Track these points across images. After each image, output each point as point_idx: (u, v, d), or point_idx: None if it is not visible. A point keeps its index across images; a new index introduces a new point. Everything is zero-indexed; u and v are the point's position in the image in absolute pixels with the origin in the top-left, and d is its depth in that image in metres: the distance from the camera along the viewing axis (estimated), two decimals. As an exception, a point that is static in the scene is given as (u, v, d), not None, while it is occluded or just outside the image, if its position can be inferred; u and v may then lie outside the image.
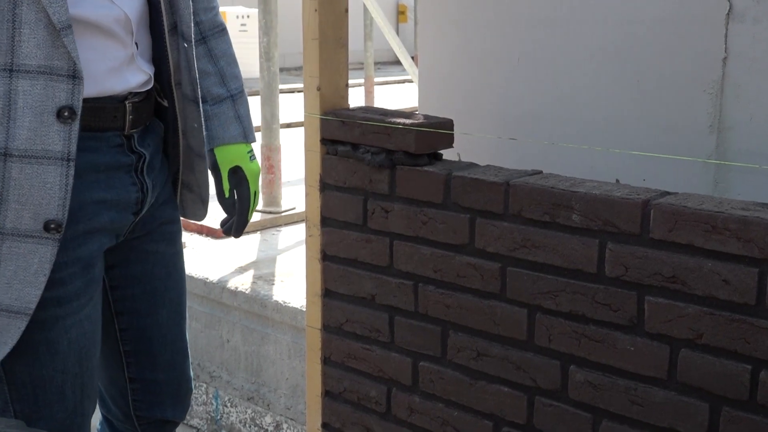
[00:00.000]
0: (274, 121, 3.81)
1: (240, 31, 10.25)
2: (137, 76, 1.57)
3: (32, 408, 1.55)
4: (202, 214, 1.80)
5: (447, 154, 1.98)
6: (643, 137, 2.05)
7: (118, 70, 1.53)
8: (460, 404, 1.89)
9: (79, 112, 1.46)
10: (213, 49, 1.79)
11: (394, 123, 1.88)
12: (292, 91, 9.45)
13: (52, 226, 1.46)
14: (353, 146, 1.96)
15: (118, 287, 1.70)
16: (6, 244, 1.45)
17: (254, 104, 6.75)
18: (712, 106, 1.95)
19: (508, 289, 1.78)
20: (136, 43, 1.57)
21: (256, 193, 1.87)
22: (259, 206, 4.01)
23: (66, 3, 1.40)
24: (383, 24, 4.87)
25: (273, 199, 3.89)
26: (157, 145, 1.67)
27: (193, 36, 1.74)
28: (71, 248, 1.51)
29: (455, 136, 1.95)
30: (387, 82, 9.86)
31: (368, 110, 2.02)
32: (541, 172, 1.81)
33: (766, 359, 1.47)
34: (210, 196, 1.83)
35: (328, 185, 2.04)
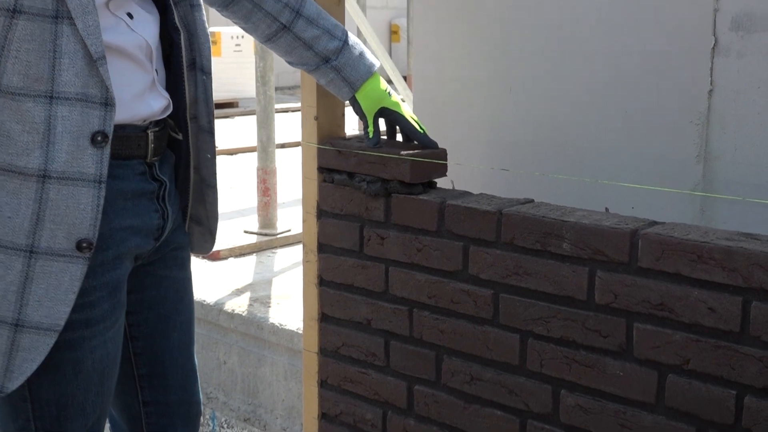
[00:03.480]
0: (270, 144, 3.85)
1: (234, 51, 10.28)
2: (158, 101, 1.59)
3: (53, 424, 1.55)
4: (209, 247, 1.82)
5: (441, 181, 1.96)
6: (632, 166, 2.05)
7: (141, 95, 1.55)
8: (454, 427, 1.89)
9: (111, 137, 1.48)
10: (307, 15, 1.79)
11: (389, 153, 1.89)
12: (286, 110, 9.44)
13: (84, 245, 1.47)
14: (349, 175, 1.97)
15: (134, 312, 1.70)
16: (39, 263, 1.46)
17: (251, 125, 6.70)
18: (698, 137, 1.95)
19: (500, 315, 1.78)
20: (156, 70, 1.59)
21: (414, 119, 1.90)
22: (254, 228, 4.02)
23: (101, 35, 1.42)
24: (376, 47, 4.89)
25: (269, 222, 3.91)
26: (171, 174, 1.68)
27: (280, 23, 1.77)
28: (100, 273, 1.52)
29: (450, 162, 1.94)
30: None
31: (364, 138, 1.98)
32: (532, 201, 1.82)
33: (751, 385, 1.47)
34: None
35: (325, 212, 2.05)
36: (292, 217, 4.02)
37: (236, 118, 9.59)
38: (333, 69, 1.80)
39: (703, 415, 1.53)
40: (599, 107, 2.10)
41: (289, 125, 8.07)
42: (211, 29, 10.11)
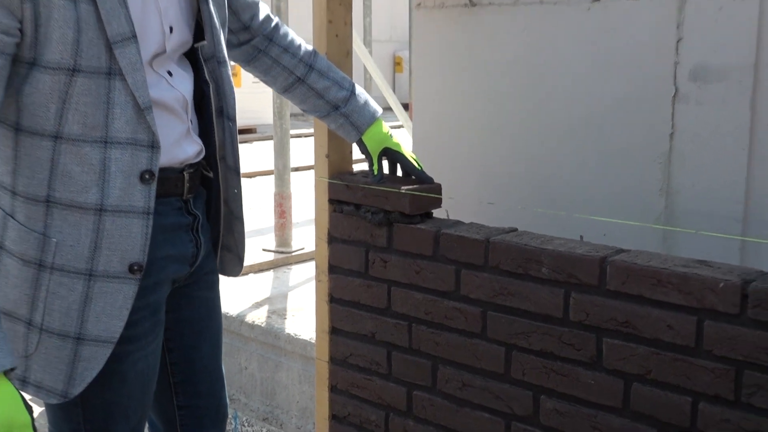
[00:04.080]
0: (286, 171, 3.85)
1: (253, 82, 9.95)
2: (193, 147, 1.60)
3: (101, 427, 1.56)
4: (238, 270, 1.80)
5: (437, 212, 1.97)
6: (603, 198, 2.04)
7: (178, 142, 1.56)
8: (448, 428, 1.90)
9: (157, 175, 1.48)
10: (318, 69, 1.82)
11: (391, 187, 1.89)
12: (299, 136, 9.29)
13: (135, 267, 1.48)
14: (356, 206, 1.98)
15: (171, 328, 1.70)
16: (97, 284, 1.46)
17: (268, 149, 6.68)
18: (661, 174, 1.95)
19: (488, 330, 1.79)
20: (190, 120, 1.60)
21: (413, 158, 1.93)
22: (272, 246, 4.00)
23: (148, 88, 1.44)
24: (379, 79, 4.91)
25: (285, 241, 3.89)
26: (203, 208, 1.69)
27: (296, 76, 1.81)
28: (143, 296, 1.53)
29: (444, 197, 1.95)
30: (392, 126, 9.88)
31: (369, 174, 1.99)
32: (516, 230, 1.83)
33: (704, 392, 1.49)
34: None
35: (335, 238, 2.05)
36: (305, 237, 3.99)
37: (255, 143, 9.45)
38: (342, 115, 1.82)
39: (663, 418, 1.55)
40: (576, 147, 2.09)
41: (303, 150, 7.89)
42: (232, 63, 10.03)
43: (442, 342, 1.88)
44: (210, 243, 1.72)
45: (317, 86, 1.81)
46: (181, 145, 1.55)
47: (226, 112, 1.64)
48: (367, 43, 7.82)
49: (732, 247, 1.82)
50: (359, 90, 1.85)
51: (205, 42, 1.58)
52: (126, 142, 1.43)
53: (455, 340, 1.86)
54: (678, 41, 1.88)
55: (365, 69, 7.07)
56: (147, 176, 1.46)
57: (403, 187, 1.88)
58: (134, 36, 1.40)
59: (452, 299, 1.85)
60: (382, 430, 2.04)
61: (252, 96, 10.04)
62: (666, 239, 1.93)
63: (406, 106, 4.98)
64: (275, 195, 3.87)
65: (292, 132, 8.60)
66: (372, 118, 1.86)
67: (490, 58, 2.21)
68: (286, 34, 1.82)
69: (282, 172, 3.85)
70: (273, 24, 1.83)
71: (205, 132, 1.63)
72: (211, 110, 1.62)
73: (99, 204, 1.44)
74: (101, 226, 1.45)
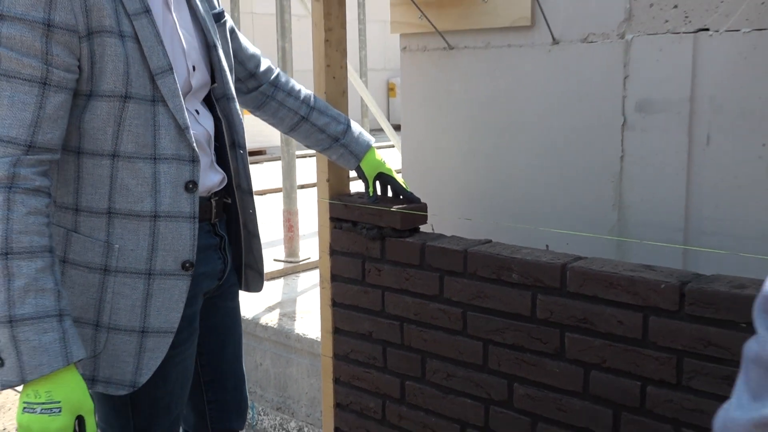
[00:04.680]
0: (293, 191, 3.82)
1: None
2: (217, 175, 1.59)
3: (146, 420, 1.56)
4: (260, 285, 1.77)
5: (424, 226, 1.99)
6: (565, 212, 2.04)
7: (205, 171, 1.55)
8: (436, 412, 1.92)
9: (199, 184, 1.47)
10: (318, 108, 1.82)
11: (384, 207, 1.91)
12: (305, 156, 8.93)
13: (187, 264, 1.47)
14: (353, 223, 1.99)
15: (201, 335, 1.69)
16: (156, 282, 1.46)
17: (277, 169, 6.62)
18: (614, 191, 1.95)
19: (468, 328, 1.81)
20: (213, 152, 1.60)
21: (402, 182, 1.93)
22: (281, 257, 3.92)
23: (185, 112, 1.44)
24: (374, 107, 4.87)
25: (293, 252, 3.85)
26: (226, 230, 1.67)
27: (300, 115, 1.81)
28: (184, 307, 1.52)
29: (429, 214, 1.97)
30: (380, 147, 9.77)
31: (365, 195, 2.00)
32: (490, 241, 1.85)
33: (651, 377, 1.53)
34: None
35: (336, 251, 2.07)
36: (311, 247, 3.90)
37: (265, 163, 9.19)
38: (342, 146, 1.82)
39: (617, 400, 1.59)
40: (541, 169, 2.09)
41: (308, 168, 7.83)
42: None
43: (430, 339, 1.89)
44: (232, 260, 1.72)
45: (318, 123, 1.81)
46: (207, 175, 1.55)
47: (238, 142, 1.64)
48: (363, 73, 7.75)
49: (675, 252, 1.83)
50: (354, 124, 1.86)
51: (216, 84, 1.58)
52: (171, 157, 1.43)
53: (440, 337, 1.87)
54: (625, 78, 1.89)
55: (362, 99, 7.10)
56: (191, 185, 1.46)
57: (393, 207, 1.89)
58: (171, 68, 1.41)
59: (437, 302, 1.86)
60: (379, 415, 2.05)
61: (261, 121, 9.91)
62: (619, 247, 1.93)
63: (399, 127, 4.95)
64: (284, 212, 3.84)
65: (298, 153, 8.42)
66: (367, 147, 1.86)
67: (466, 94, 2.21)
68: (288, 81, 1.83)
69: (289, 191, 3.82)
70: (275, 73, 1.83)
71: (221, 162, 1.63)
72: (224, 143, 1.62)
73: (153, 211, 1.43)
74: (156, 231, 1.44)
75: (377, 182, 1.92)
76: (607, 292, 1.57)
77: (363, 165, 1.88)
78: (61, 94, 1.31)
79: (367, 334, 2.04)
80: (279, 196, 4.80)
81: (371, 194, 1.92)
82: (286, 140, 3.87)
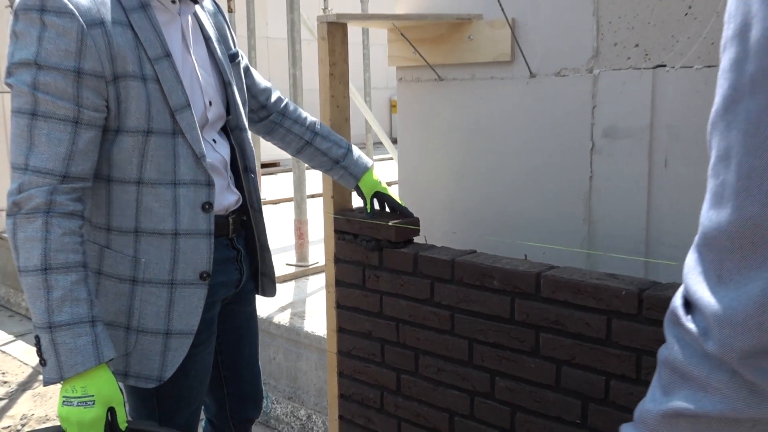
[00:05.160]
0: (303, 202, 3.80)
1: None
2: (233, 196, 1.60)
3: (170, 411, 1.57)
4: (274, 291, 1.79)
5: (417, 237, 1.99)
6: (542, 226, 2.04)
7: (222, 193, 1.56)
8: (427, 402, 1.93)
9: (214, 205, 1.49)
10: (321, 134, 1.83)
11: (381, 221, 1.92)
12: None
13: (204, 275, 1.49)
14: (355, 236, 2.01)
15: (221, 335, 1.71)
16: (177, 291, 1.47)
17: (290, 180, 6.56)
18: (584, 207, 1.95)
19: (455, 328, 1.82)
20: (229, 176, 1.60)
21: (398, 199, 1.93)
22: (292, 261, 3.88)
23: (202, 143, 1.46)
24: (376, 126, 4.88)
25: (303, 257, 3.82)
26: (243, 244, 1.68)
27: (305, 140, 1.82)
28: (202, 313, 1.54)
29: (421, 228, 1.97)
30: (382, 159, 9.68)
31: (363, 211, 2.02)
32: (475, 252, 1.86)
33: (614, 373, 1.54)
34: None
35: (340, 259, 2.07)
36: (320, 253, 3.81)
37: (278, 174, 9.12)
38: (342, 168, 1.84)
39: (585, 392, 1.60)
40: (520, 187, 2.09)
41: (318, 180, 7.89)
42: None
43: (422, 338, 1.90)
44: (249, 270, 1.73)
45: (321, 147, 1.83)
46: (224, 196, 1.57)
47: (249, 168, 1.65)
48: (367, 93, 7.75)
49: (638, 261, 1.84)
50: (354, 148, 1.88)
51: (230, 116, 1.60)
52: (190, 182, 1.45)
53: (431, 336, 1.88)
54: (593, 108, 1.89)
55: (367, 127, 7.08)
56: (207, 206, 1.48)
57: (390, 221, 1.91)
58: (189, 105, 1.43)
59: (428, 305, 1.87)
60: (378, 405, 2.06)
61: None
62: (589, 257, 1.94)
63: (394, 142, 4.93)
64: (295, 221, 3.83)
65: (308, 166, 8.35)
66: (365, 169, 1.87)
67: (454, 120, 2.22)
68: (295, 110, 1.85)
69: (300, 202, 3.81)
70: (284, 102, 1.85)
71: (237, 185, 1.65)
72: (238, 167, 1.63)
73: (174, 230, 1.45)
74: (177, 246, 1.46)
75: (375, 200, 1.93)
76: (575, 297, 1.59)
77: (361, 184, 1.89)
78: (91, 131, 1.34)
79: (367, 333, 2.05)
80: (291, 206, 4.78)
81: (369, 211, 1.94)
82: (297, 161, 3.84)
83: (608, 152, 1.90)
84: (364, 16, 2.01)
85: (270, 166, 9.91)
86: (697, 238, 0.59)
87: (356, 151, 1.89)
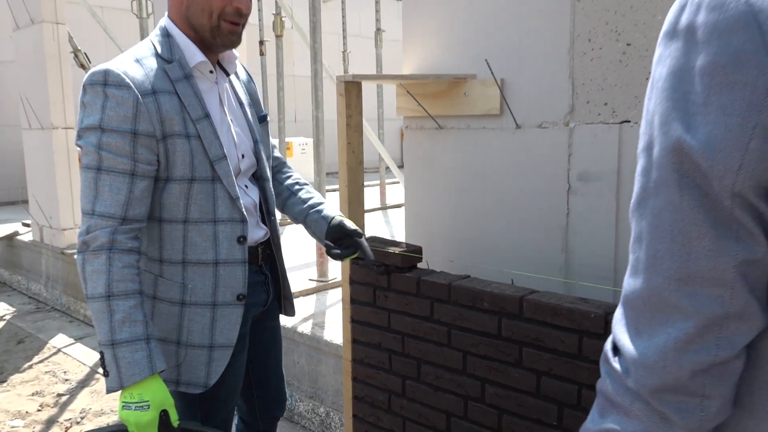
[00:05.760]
0: None
1: (301, 153, 10.02)
2: (261, 231, 1.62)
3: (210, 412, 1.60)
4: (293, 311, 1.79)
5: (420, 263, 2.01)
6: (526, 254, 2.06)
7: (253, 228, 1.58)
8: (428, 405, 1.93)
9: (248, 237, 1.51)
10: (306, 189, 1.78)
11: (389, 250, 1.94)
12: (334, 190, 8.84)
13: (241, 296, 1.52)
14: None
15: (250, 346, 1.73)
16: (219, 310, 1.50)
17: None
18: (562, 239, 1.96)
19: (452, 342, 1.83)
20: (258, 215, 1.63)
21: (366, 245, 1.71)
22: (314, 276, 3.82)
23: (236, 187, 1.49)
24: (384, 153, 4.89)
25: (323, 272, 3.78)
26: (270, 270, 1.70)
27: (291, 191, 1.76)
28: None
29: (424, 254, 2.03)
30: (393, 182, 9.65)
31: (376, 239, 2.04)
32: (469, 277, 1.87)
33: (585, 383, 1.56)
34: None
35: (354, 281, 2.08)
36: (338, 269, 3.84)
37: None
38: (316, 212, 1.74)
39: (561, 399, 1.62)
40: (508, 222, 2.10)
41: (335, 202, 7.89)
42: (287, 139, 9.88)
43: (423, 349, 1.91)
44: (274, 292, 1.75)
45: (303, 197, 1.79)
46: (254, 231, 1.60)
47: (270, 211, 1.68)
48: (381, 126, 7.85)
49: (607, 284, 1.87)
50: (333, 207, 1.79)
51: (258, 168, 1.64)
52: (227, 219, 1.49)
53: (431, 348, 1.89)
54: (569, 155, 1.91)
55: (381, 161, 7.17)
56: (242, 239, 1.51)
57: (397, 250, 1.93)
58: (225, 156, 1.47)
59: (429, 322, 1.88)
60: (386, 406, 2.06)
61: (300, 162, 9.94)
62: (566, 282, 1.96)
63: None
64: (317, 243, 3.77)
65: (328, 187, 8.31)
66: (339, 215, 1.76)
67: (452, 163, 2.23)
68: (288, 168, 1.85)
69: None
70: (282, 160, 1.85)
71: (264, 222, 1.67)
72: (263, 211, 1.66)
73: (215, 260, 1.49)
74: (217, 273, 1.50)
75: (363, 240, 1.72)
76: (553, 318, 1.62)
77: (332, 225, 1.71)
78: (144, 181, 1.40)
79: (377, 344, 2.06)
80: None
81: (370, 256, 1.71)
82: (318, 183, 3.87)
83: (582, 193, 1.92)
84: (377, 77, 2.09)
85: None
86: (621, 297, 0.66)
87: (335, 209, 1.79)
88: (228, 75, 1.58)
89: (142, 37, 5.51)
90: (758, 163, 0.55)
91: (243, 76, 1.70)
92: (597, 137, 1.85)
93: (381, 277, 2.01)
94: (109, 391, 1.36)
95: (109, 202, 1.37)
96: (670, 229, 0.59)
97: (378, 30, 7.59)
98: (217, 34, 1.46)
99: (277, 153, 1.86)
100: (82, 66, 5.67)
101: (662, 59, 0.61)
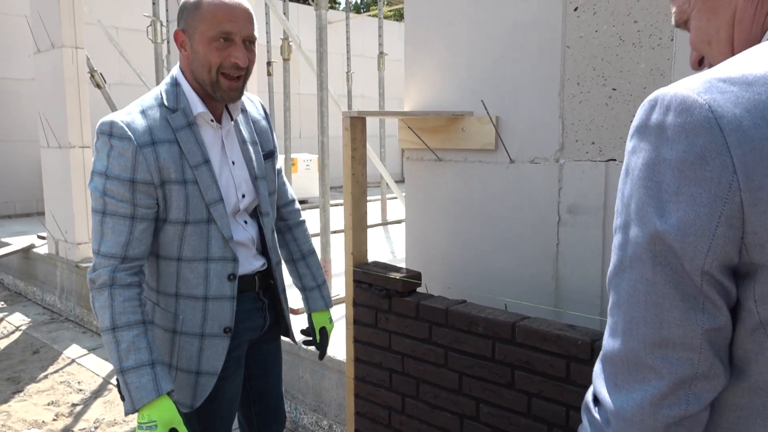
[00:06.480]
0: (328, 244, 3.78)
1: (306, 169, 10.01)
2: (259, 261, 1.65)
3: (207, 427, 1.62)
4: (291, 335, 1.82)
5: (420, 288, 2.04)
6: (519, 281, 2.08)
7: (248, 259, 1.62)
8: (426, 422, 1.95)
9: (241, 269, 1.56)
10: (307, 262, 1.84)
11: (390, 275, 1.97)
12: (339, 204, 8.80)
13: (227, 329, 1.55)
14: (369, 285, 2.05)
15: (249, 368, 1.76)
16: (206, 341, 1.54)
17: (315, 215, 6.53)
18: (552, 267, 1.99)
19: (449, 363, 1.86)
20: (257, 247, 1.65)
21: (328, 336, 1.91)
22: None
23: (231, 229, 1.52)
24: (385, 173, 5.01)
25: None
26: (269, 297, 1.72)
27: (293, 257, 1.81)
28: (231, 351, 1.62)
29: (423, 278, 2.06)
30: (393, 198, 9.65)
31: (378, 264, 2.09)
32: (465, 302, 1.89)
33: (572, 404, 1.59)
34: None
35: (357, 303, 2.11)
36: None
37: (306, 210, 8.85)
38: (306, 295, 1.86)
39: (550, 420, 1.65)
40: (502, 250, 2.12)
41: (341, 215, 7.62)
42: (292, 156, 9.89)
43: (422, 369, 1.93)
44: (274, 317, 1.77)
45: (301, 271, 1.85)
46: (250, 262, 1.64)
47: (272, 246, 1.70)
48: (383, 144, 7.91)
49: (594, 311, 1.90)
50: (325, 286, 1.88)
51: (258, 204, 1.65)
52: (219, 258, 1.52)
53: (430, 369, 1.91)
54: (559, 189, 1.94)
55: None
56: (231, 277, 1.55)
57: (398, 275, 1.96)
58: (221, 199, 1.51)
59: (427, 344, 1.90)
60: (387, 422, 2.08)
61: (305, 178, 9.97)
62: (556, 311, 1.98)
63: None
64: (321, 260, 3.39)
65: (332, 202, 8.27)
66: (322, 308, 1.88)
67: (450, 194, 2.26)
68: (302, 231, 1.87)
69: (325, 244, 3.81)
70: (297, 220, 1.86)
71: (266, 257, 1.69)
72: (266, 244, 1.68)
73: (205, 295, 1.53)
74: (207, 307, 1.54)
75: (319, 331, 1.91)
76: (543, 344, 1.65)
77: (314, 316, 1.90)
78: (143, 223, 1.46)
79: (379, 364, 2.07)
80: (317, 240, 4.73)
81: (317, 339, 1.91)
82: (323, 204, 3.89)
83: (571, 224, 1.95)
84: (380, 113, 2.16)
85: (300, 203, 9.84)
86: (600, 354, 0.73)
87: (325, 291, 1.89)
88: (233, 119, 1.63)
89: (156, 61, 5.61)
90: (724, 247, 0.62)
91: (256, 114, 1.73)
92: (585, 173, 1.89)
93: (382, 301, 2.04)
94: (126, 413, 1.42)
95: (112, 243, 1.44)
96: (644, 300, 0.66)
97: (381, 54, 7.69)
98: (217, 90, 1.50)
99: (295, 207, 1.88)
100: (98, 86, 5.77)
101: (636, 151, 0.67)
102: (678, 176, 0.62)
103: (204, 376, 1.56)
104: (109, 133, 1.43)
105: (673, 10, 0.81)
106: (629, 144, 0.68)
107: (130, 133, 1.43)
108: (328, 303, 1.91)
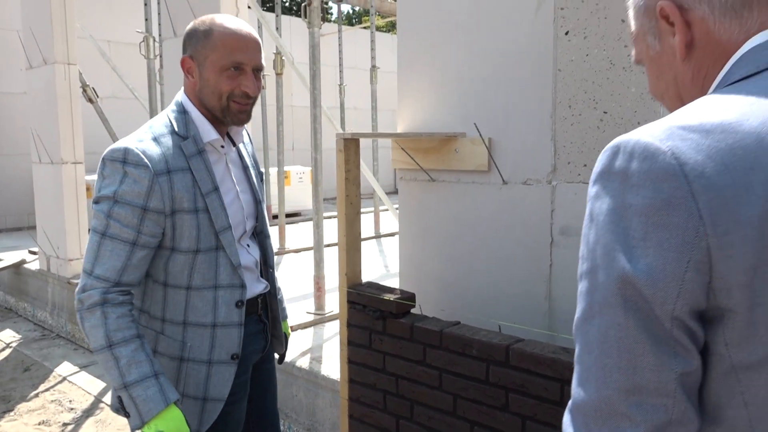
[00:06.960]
0: (321, 260, 3.78)
1: (299, 181, 9.95)
2: (261, 285, 1.66)
3: None
4: (282, 350, 1.84)
5: (414, 309, 2.03)
6: (513, 301, 2.09)
7: (253, 283, 1.62)
8: None
9: (249, 292, 1.57)
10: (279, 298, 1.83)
11: (384, 297, 1.98)
12: (332, 217, 9.01)
13: (234, 356, 1.55)
14: (364, 306, 2.06)
15: (250, 387, 1.71)
16: (214, 367, 1.54)
17: (308, 228, 6.50)
18: (546, 288, 2.00)
19: (443, 385, 1.86)
20: (259, 271, 1.66)
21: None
22: (311, 309, 3.84)
23: (239, 255, 1.52)
24: (377, 188, 4.99)
25: (320, 306, 3.78)
26: (269, 318, 1.72)
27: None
28: (238, 377, 1.62)
29: (417, 299, 2.06)
30: (386, 210, 9.63)
31: (372, 285, 2.09)
32: (459, 323, 1.90)
33: None
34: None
35: (351, 324, 2.11)
36: (336, 301, 3.83)
37: (300, 223, 8.97)
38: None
39: None
40: (496, 270, 2.13)
41: (334, 227, 7.61)
42: (285, 168, 9.85)
43: (416, 391, 1.93)
44: (270, 337, 1.77)
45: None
46: (255, 285, 1.65)
47: (269, 264, 1.72)
48: (376, 157, 7.93)
49: None
50: (282, 299, 1.87)
51: (258, 224, 1.68)
52: (227, 285, 1.52)
53: (424, 390, 1.91)
54: (552, 211, 1.96)
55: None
56: (239, 304, 1.55)
57: (392, 297, 1.97)
58: (230, 227, 1.51)
59: (421, 365, 1.90)
60: None
61: (298, 191, 9.93)
62: (550, 328, 2.00)
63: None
64: (314, 277, 3.83)
65: (326, 214, 8.24)
66: (285, 317, 1.90)
67: (443, 214, 2.27)
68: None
69: (318, 261, 3.83)
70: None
71: (263, 275, 1.71)
72: (265, 265, 1.71)
73: (213, 322, 1.53)
74: (215, 334, 1.53)
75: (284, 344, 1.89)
76: (537, 367, 1.65)
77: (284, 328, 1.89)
78: (144, 251, 1.44)
79: (373, 385, 2.07)
80: (311, 254, 4.71)
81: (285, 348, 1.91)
82: (317, 221, 3.88)
83: (564, 245, 1.96)
84: (374, 134, 2.17)
85: (293, 215, 9.86)
86: (570, 404, 0.71)
87: (283, 302, 1.92)
88: (235, 145, 1.64)
89: (149, 76, 5.61)
90: (692, 292, 0.62)
91: (246, 138, 1.73)
92: (577, 195, 1.91)
93: (377, 322, 2.05)
94: (133, 429, 1.40)
95: (108, 266, 1.42)
96: (617, 345, 0.65)
97: (373, 67, 7.73)
98: (227, 114, 1.51)
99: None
100: (90, 100, 5.76)
101: (600, 196, 0.67)
102: (645, 222, 0.62)
103: (211, 402, 1.56)
104: (123, 160, 1.42)
105: (633, 51, 0.82)
106: (592, 190, 0.68)
107: (147, 160, 1.42)
108: (285, 314, 1.92)
